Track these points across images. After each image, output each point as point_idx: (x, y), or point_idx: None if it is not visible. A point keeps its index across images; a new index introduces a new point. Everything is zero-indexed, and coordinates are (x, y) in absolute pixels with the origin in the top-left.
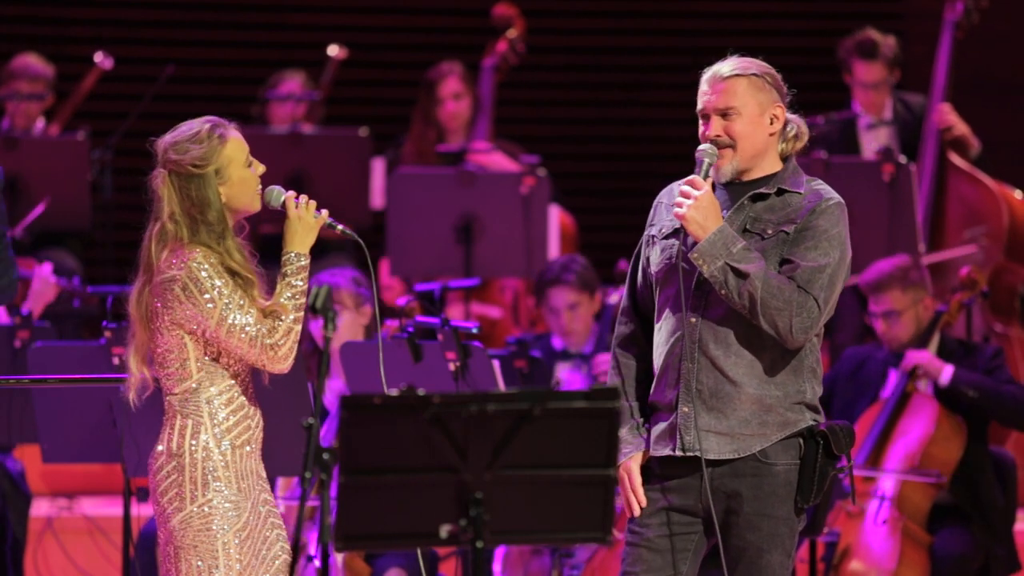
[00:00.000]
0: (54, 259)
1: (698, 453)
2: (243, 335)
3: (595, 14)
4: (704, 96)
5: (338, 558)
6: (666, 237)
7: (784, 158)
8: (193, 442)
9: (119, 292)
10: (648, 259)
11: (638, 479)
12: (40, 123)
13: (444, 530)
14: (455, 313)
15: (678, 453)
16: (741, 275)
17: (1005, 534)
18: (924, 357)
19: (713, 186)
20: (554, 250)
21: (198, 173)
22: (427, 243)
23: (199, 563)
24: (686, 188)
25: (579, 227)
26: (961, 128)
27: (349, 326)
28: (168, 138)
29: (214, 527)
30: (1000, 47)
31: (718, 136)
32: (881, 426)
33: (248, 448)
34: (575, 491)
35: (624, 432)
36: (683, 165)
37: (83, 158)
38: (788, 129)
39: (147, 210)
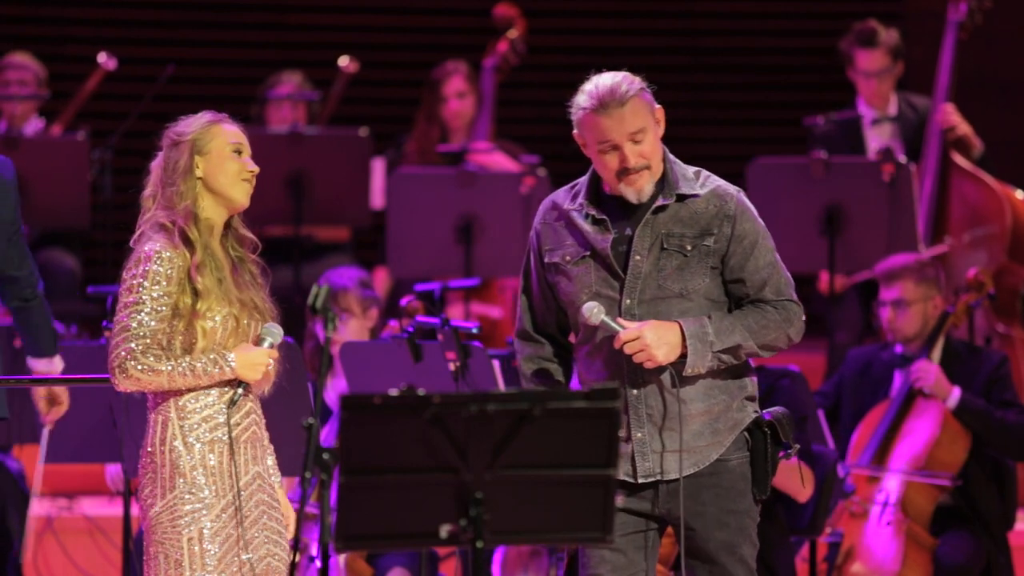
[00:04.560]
0: (54, 259)
1: (658, 477)
2: (127, 327)
3: (595, 14)
4: (609, 128)
5: (340, 559)
6: (576, 264)
7: None
8: (163, 440)
9: (118, 292)
10: (556, 286)
11: None
12: (40, 123)
13: (444, 530)
14: (455, 313)
15: (640, 480)
16: (731, 350)
17: (1003, 539)
18: (931, 378)
19: (606, 224)
20: None
21: (179, 141)
22: (427, 243)
23: (165, 559)
24: (629, 346)
25: None
26: (964, 128)
27: (355, 330)
28: None
29: (180, 524)
30: (1003, 47)
31: (636, 163)
32: (886, 426)
33: (222, 445)
34: (575, 491)
35: None
36: None
37: (83, 158)
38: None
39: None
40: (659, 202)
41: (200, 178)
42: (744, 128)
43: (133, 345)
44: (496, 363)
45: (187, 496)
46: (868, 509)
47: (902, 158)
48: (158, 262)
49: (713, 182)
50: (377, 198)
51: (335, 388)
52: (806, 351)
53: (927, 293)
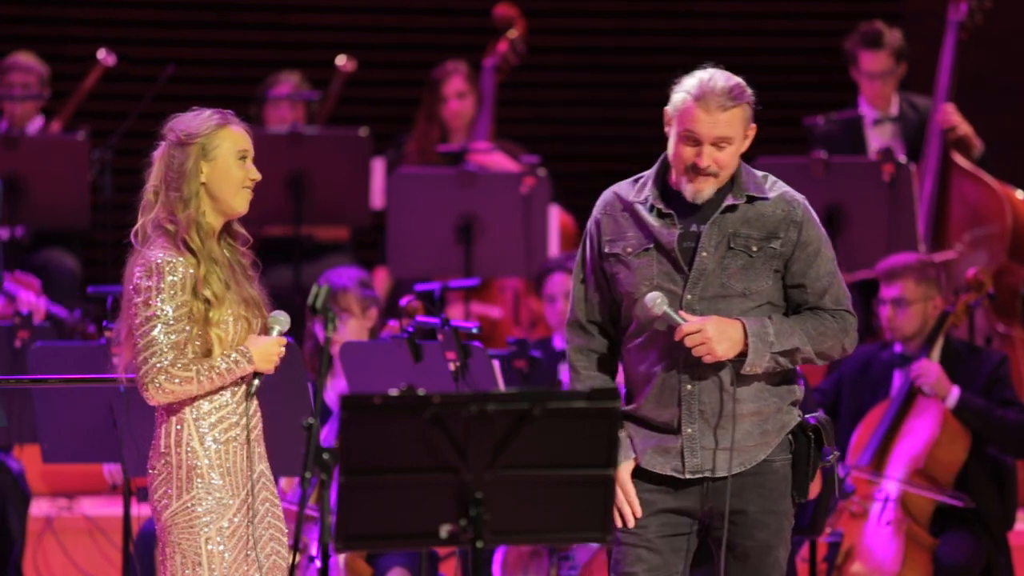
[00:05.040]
0: (54, 259)
1: (707, 474)
2: (153, 341)
3: (595, 14)
4: (699, 123)
5: (340, 559)
6: (638, 256)
7: None
8: (178, 441)
9: (119, 292)
10: (615, 276)
11: (632, 489)
12: (40, 121)
13: (444, 530)
14: (455, 313)
15: (687, 476)
16: (789, 353)
17: (1003, 539)
18: (932, 376)
19: (672, 218)
20: (554, 250)
21: (186, 142)
22: (427, 243)
23: (183, 560)
24: (690, 338)
25: (579, 227)
26: (964, 128)
27: (355, 330)
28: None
29: (197, 525)
30: (1003, 47)
31: (708, 166)
32: (886, 427)
33: (236, 444)
34: (575, 491)
35: None
36: None
37: (83, 158)
38: None
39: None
40: (729, 201)
41: (203, 183)
42: None
43: (164, 360)
44: (496, 363)
45: (205, 496)
46: (868, 509)
47: (902, 158)
48: (171, 272)
49: (781, 187)
50: (377, 198)
51: (335, 388)
52: None
53: (927, 293)
